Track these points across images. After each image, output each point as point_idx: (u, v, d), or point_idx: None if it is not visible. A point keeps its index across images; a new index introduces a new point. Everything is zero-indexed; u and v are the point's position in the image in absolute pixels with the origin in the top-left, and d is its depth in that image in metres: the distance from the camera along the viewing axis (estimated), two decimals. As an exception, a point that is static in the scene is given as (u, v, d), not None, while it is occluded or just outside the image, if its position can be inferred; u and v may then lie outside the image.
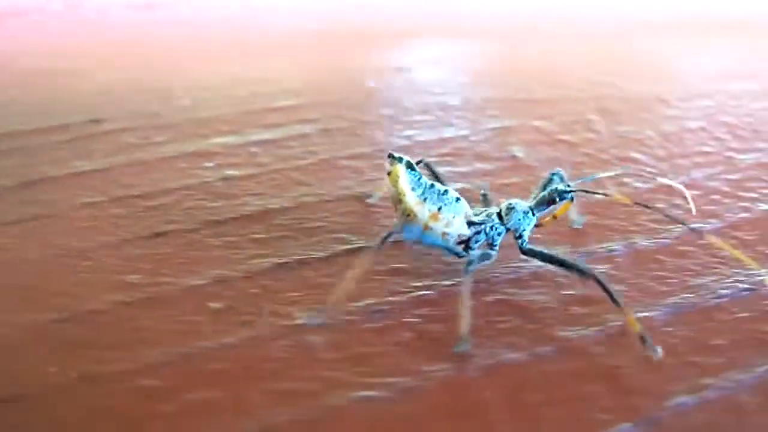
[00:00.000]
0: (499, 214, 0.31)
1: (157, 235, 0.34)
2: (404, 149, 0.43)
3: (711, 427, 0.24)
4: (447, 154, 0.42)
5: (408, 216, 0.29)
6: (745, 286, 0.31)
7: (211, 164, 0.40)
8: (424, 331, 0.27)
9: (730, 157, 0.44)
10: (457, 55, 0.66)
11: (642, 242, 0.34)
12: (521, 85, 0.55)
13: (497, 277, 0.31)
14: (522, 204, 0.31)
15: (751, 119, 0.51)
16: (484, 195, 0.33)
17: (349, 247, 0.33)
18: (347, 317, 0.28)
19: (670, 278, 0.32)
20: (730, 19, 0.78)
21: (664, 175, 0.35)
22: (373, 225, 0.34)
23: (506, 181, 0.39)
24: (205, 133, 0.44)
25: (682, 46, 0.70)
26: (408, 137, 0.44)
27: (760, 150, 0.46)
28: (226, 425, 0.23)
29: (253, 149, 0.42)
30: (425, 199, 0.29)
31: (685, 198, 0.31)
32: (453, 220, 0.30)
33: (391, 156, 0.30)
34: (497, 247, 0.31)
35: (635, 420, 0.24)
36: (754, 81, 0.58)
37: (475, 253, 0.30)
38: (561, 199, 0.31)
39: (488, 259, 0.30)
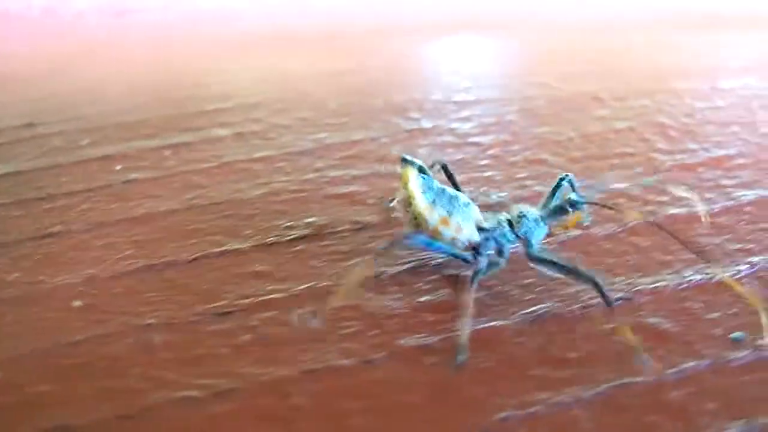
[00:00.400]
0: (509, 222, 0.31)
1: (48, 235, 0.35)
2: (307, 152, 0.44)
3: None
4: (348, 157, 0.42)
5: (416, 219, 0.29)
6: (620, 295, 0.30)
7: (119, 167, 0.41)
8: (262, 335, 0.27)
9: (652, 159, 0.42)
10: (398, 57, 0.65)
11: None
12: (452, 86, 0.54)
13: (354, 279, 0.30)
14: (533, 212, 0.31)
15: (690, 119, 0.48)
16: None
17: (220, 249, 0.33)
18: (196, 318, 0.29)
19: (540, 285, 0.30)
20: (689, 14, 0.75)
21: (679, 184, 0.33)
22: (252, 228, 0.35)
23: (398, 184, 0.38)
24: (128, 136, 0.46)
25: (636, 44, 0.67)
26: (317, 140, 0.44)
27: (688, 151, 0.43)
28: (49, 419, 0.24)
29: (166, 152, 0.43)
30: (435, 204, 0.29)
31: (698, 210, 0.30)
32: (463, 226, 0.30)
33: (403, 159, 0.30)
34: (507, 255, 0.31)
35: (452, 432, 0.23)
36: (703, 79, 0.55)
37: (483, 261, 0.30)
38: (573, 209, 0.30)
39: (497, 267, 0.30)
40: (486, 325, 0.28)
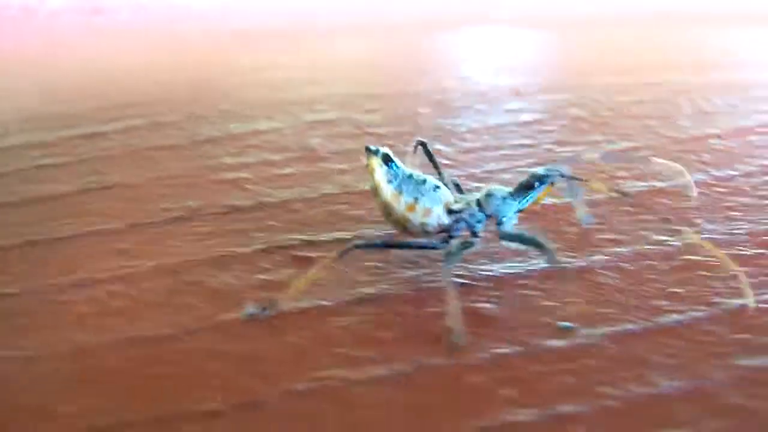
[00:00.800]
0: (478, 202, 0.31)
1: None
2: (212, 140, 0.45)
3: (313, 416, 0.23)
4: (247, 146, 0.43)
5: (386, 209, 0.30)
6: (463, 281, 0.30)
7: (36, 154, 0.44)
8: (105, 306, 0.29)
9: (548, 150, 0.42)
10: (327, 54, 0.66)
11: (369, 231, 0.33)
12: (372, 80, 0.55)
13: (204, 257, 0.31)
14: (501, 190, 0.31)
15: (608, 113, 0.48)
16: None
17: (96, 228, 0.35)
18: (51, 288, 0.30)
19: (380, 268, 0.31)
20: (632, 11, 0.73)
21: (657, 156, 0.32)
22: (134, 209, 0.36)
23: (282, 171, 0.39)
24: (53, 126, 0.49)
25: (575, 40, 0.66)
26: (224, 130, 0.46)
27: (592, 143, 0.43)
28: None
29: (80, 141, 0.46)
30: (401, 192, 0.30)
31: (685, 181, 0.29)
32: (431, 210, 0.30)
33: (368, 149, 0.31)
34: (480, 235, 0.31)
35: (239, 401, 0.24)
36: (634, 74, 0.55)
37: (455, 243, 0.30)
38: (541, 184, 0.30)
39: (470, 247, 0.30)
40: (314, 303, 0.28)
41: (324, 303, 0.28)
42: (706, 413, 0.23)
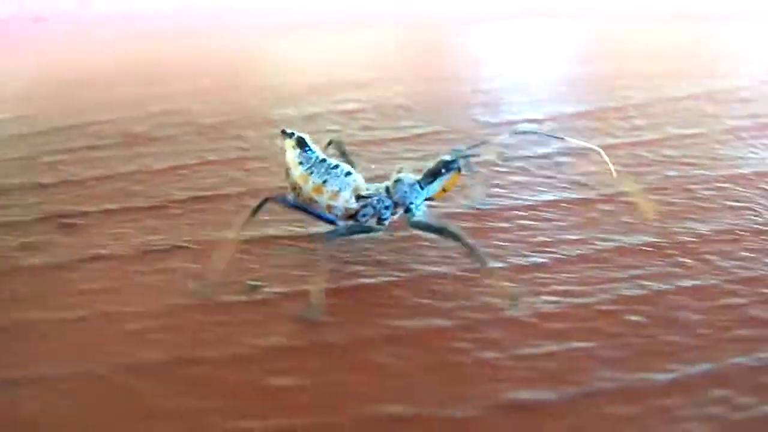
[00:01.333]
0: (387, 188, 0.32)
1: None
2: (58, 129, 0.50)
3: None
4: (83, 134, 0.48)
5: (295, 189, 0.32)
6: (191, 246, 0.33)
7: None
8: None
9: (350, 135, 0.45)
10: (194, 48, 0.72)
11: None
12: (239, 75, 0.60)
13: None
14: (409, 177, 0.32)
15: (433, 100, 0.51)
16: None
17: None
18: None
19: (122, 236, 0.34)
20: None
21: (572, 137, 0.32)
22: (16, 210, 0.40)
23: (97, 155, 0.44)
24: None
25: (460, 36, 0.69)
26: (75, 120, 0.51)
27: (394, 128, 0.46)
28: None
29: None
30: (311, 173, 0.32)
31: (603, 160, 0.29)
32: (338, 193, 0.31)
33: (283, 132, 0.33)
34: (386, 222, 0.32)
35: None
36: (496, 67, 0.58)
37: (343, 223, 0.31)
38: (447, 170, 0.31)
39: (367, 232, 0.32)
40: (52, 261, 0.33)
41: (59, 261, 0.33)
42: (328, 365, 0.25)
